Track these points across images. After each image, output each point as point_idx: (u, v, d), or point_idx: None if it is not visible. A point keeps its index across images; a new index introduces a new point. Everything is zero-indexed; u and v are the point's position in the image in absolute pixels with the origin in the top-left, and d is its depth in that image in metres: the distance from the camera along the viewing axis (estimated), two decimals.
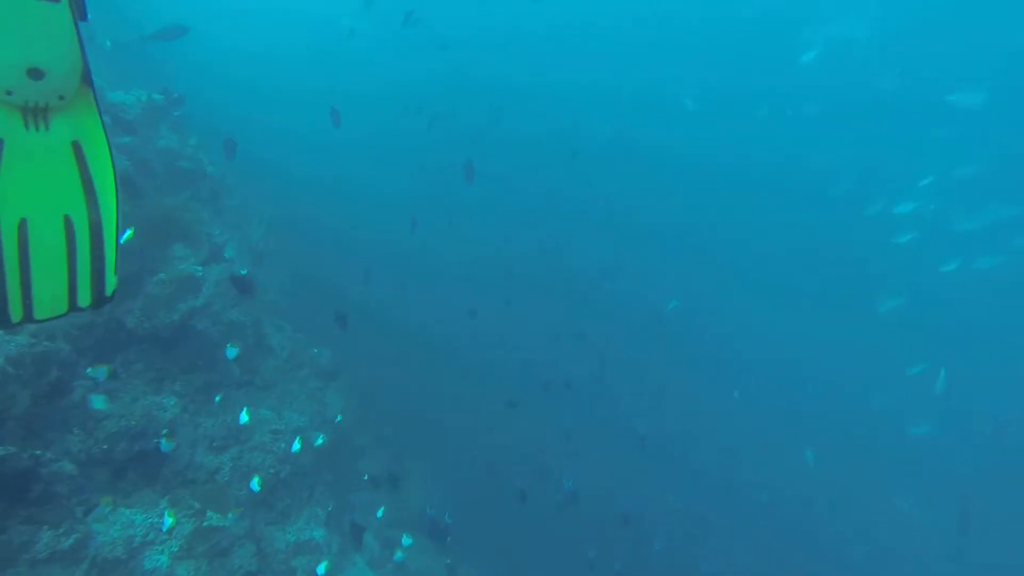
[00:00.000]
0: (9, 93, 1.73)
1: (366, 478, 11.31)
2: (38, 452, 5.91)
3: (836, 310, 26.08)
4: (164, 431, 7.57)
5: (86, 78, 1.87)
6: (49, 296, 1.85)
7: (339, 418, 11.45)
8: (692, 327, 23.75)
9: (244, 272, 9.03)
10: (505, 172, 24.94)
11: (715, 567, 15.86)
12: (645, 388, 19.93)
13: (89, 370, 7.09)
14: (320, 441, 9.86)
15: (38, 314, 1.88)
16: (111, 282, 1.98)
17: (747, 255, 27.99)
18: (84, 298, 1.92)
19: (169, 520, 6.82)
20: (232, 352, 8.75)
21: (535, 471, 14.28)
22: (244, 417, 9.06)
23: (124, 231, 7.19)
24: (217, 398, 8.87)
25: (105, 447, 6.91)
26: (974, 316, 24.99)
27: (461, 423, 16.55)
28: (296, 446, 8.57)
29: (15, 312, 1.87)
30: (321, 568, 8.98)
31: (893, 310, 21.33)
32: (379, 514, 11.78)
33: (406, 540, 12.13)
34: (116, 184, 1.98)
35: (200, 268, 9.70)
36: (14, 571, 5.49)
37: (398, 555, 10.61)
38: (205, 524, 7.10)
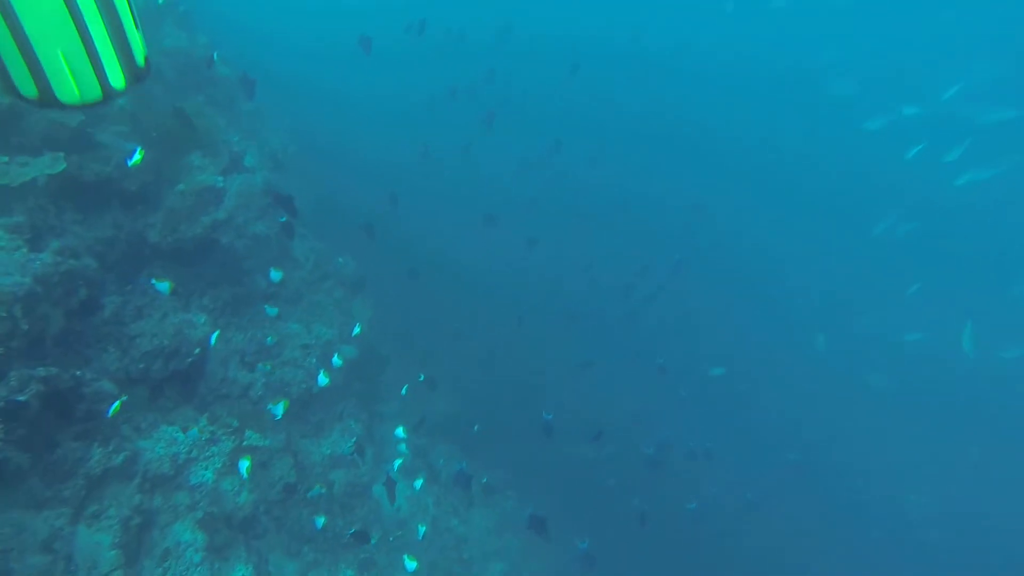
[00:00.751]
0: None
1: (422, 378, 11.61)
2: (79, 372, 5.98)
3: (838, 226, 26.05)
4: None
5: None
6: (66, 64, 1.52)
7: (357, 329, 11.28)
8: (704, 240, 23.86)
9: (289, 194, 8.89)
10: (520, 92, 24.28)
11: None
12: (663, 314, 20.09)
13: (154, 280, 7.09)
14: (347, 357, 9.94)
15: (62, 95, 1.55)
16: (137, 42, 1.64)
17: (753, 164, 27.56)
18: (115, 75, 1.60)
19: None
20: (276, 275, 8.73)
21: (560, 402, 14.70)
22: (270, 339, 9.14)
23: (133, 152, 6.94)
24: (274, 311, 9.01)
25: (142, 366, 7.00)
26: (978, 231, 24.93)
27: (482, 342, 16.91)
28: (323, 381, 8.61)
29: (23, 84, 1.52)
30: (348, 447, 9.31)
31: (892, 228, 21.21)
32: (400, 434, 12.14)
33: (440, 460, 12.53)
34: None
35: (220, 178, 9.48)
36: (73, 482, 5.70)
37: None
38: (245, 443, 7.30)
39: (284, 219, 9.20)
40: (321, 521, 7.59)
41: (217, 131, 9.89)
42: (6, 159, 6.20)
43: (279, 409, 7.23)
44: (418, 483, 11.70)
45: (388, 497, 10.05)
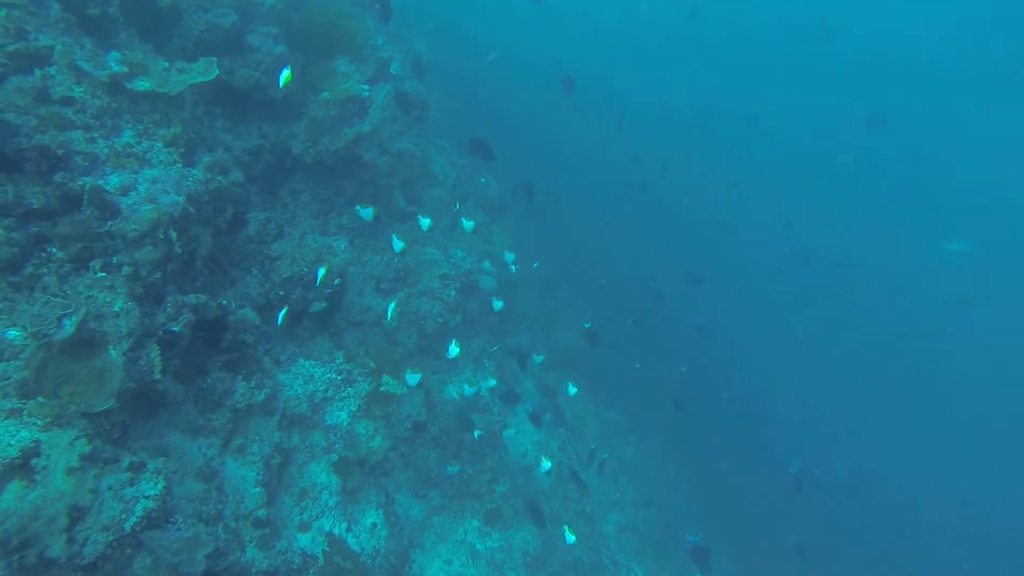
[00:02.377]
0: None
1: (588, 326, 11.59)
2: (224, 301, 6.04)
3: None
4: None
5: None
6: None
7: (510, 257, 10.50)
8: None
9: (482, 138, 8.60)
10: None
11: None
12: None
13: (359, 207, 7.08)
14: (490, 291, 9.70)
15: None
16: None
17: None
18: None
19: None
20: (469, 225, 8.65)
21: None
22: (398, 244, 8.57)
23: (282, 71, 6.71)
24: (423, 225, 8.46)
25: (282, 293, 7.04)
26: None
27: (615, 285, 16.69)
28: (454, 351, 8.14)
29: None
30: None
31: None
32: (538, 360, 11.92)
33: (572, 389, 12.23)
34: None
35: (366, 87, 9.21)
36: (221, 414, 5.88)
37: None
38: (382, 389, 7.29)
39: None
40: (455, 470, 7.59)
41: (365, 34, 9.55)
42: (166, 65, 6.14)
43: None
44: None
45: (532, 420, 10.25)
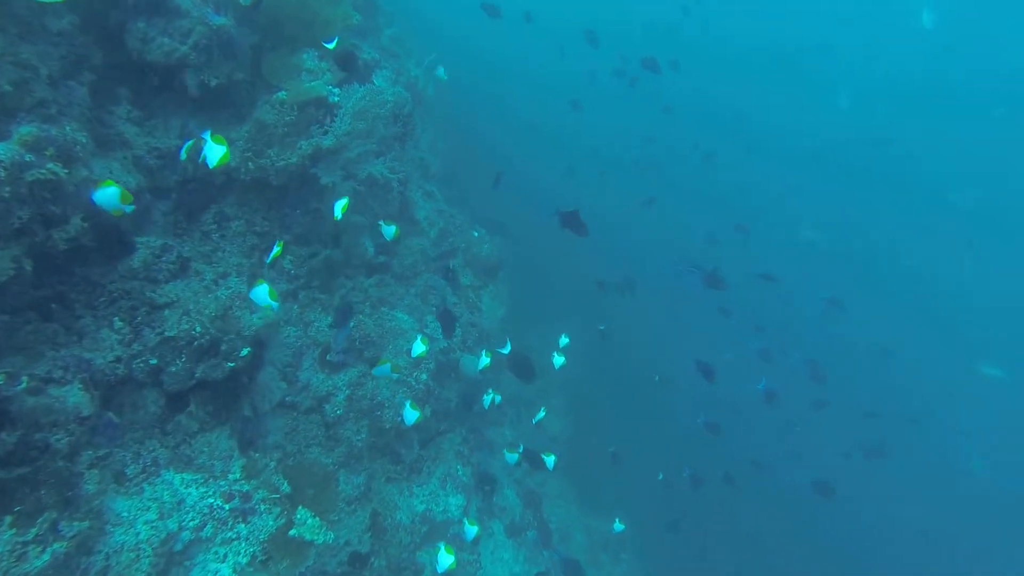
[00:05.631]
0: None
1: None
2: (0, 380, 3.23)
3: None
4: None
5: None
6: None
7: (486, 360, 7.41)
8: None
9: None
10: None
11: None
12: None
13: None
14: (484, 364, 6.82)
15: None
16: None
17: None
18: None
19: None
20: (389, 231, 6.24)
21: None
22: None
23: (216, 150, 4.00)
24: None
25: (153, 362, 4.22)
26: None
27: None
28: (411, 418, 5.57)
29: None
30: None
31: None
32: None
33: (618, 526, 9.10)
34: None
35: (336, 90, 6.68)
36: None
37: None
38: (293, 532, 4.37)
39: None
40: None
41: (346, 28, 7.08)
42: None
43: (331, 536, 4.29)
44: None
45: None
